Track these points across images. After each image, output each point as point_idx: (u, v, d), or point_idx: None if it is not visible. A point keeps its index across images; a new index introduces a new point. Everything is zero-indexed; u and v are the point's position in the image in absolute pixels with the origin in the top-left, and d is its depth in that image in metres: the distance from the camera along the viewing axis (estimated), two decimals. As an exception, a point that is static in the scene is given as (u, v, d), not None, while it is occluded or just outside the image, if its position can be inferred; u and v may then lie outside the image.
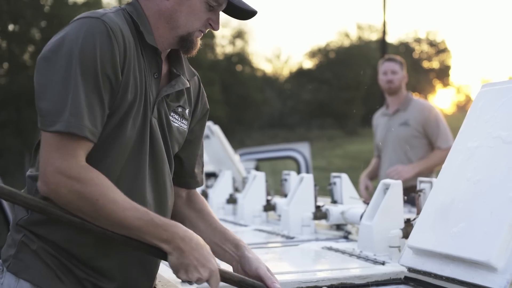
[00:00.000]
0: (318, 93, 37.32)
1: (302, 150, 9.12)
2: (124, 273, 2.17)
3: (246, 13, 2.24)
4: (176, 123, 2.28)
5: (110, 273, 2.14)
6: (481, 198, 2.20)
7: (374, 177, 6.10)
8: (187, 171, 2.43)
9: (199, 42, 2.25)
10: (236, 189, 5.23)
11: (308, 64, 44.05)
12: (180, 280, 2.37)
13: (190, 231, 2.06)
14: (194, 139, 2.41)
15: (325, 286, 2.42)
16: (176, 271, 2.04)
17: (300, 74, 41.19)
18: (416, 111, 5.78)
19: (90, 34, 2.00)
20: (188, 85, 2.28)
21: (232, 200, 4.88)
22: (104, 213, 1.97)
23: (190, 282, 2.07)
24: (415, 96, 6.04)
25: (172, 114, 2.26)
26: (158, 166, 2.21)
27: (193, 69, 2.38)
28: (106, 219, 1.99)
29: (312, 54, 42.87)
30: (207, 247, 2.08)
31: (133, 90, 2.09)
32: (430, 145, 5.75)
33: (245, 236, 3.88)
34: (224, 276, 2.14)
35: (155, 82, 2.18)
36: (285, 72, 43.73)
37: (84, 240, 2.09)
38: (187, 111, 2.31)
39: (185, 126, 2.32)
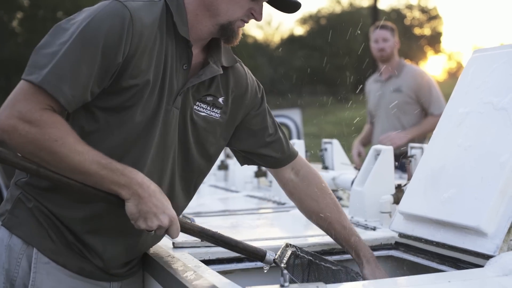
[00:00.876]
0: (309, 59, 37.17)
1: (293, 117, 9.11)
2: (108, 253, 2.18)
3: (290, 5, 2.22)
4: (203, 112, 2.26)
5: (94, 249, 2.15)
6: (472, 164, 2.21)
7: (367, 143, 6.11)
8: (271, 155, 2.43)
9: (240, 32, 2.23)
10: (228, 156, 5.23)
11: (299, 30, 43.85)
12: (171, 246, 2.39)
13: (148, 178, 2.02)
14: (257, 130, 2.40)
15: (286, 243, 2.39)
16: (135, 219, 2.00)
17: (291, 41, 41.02)
18: (409, 78, 5.78)
19: (105, 13, 2.01)
20: (219, 72, 2.24)
21: (223, 166, 4.89)
22: (60, 156, 1.94)
23: (149, 231, 2.01)
24: (408, 62, 6.03)
25: (198, 103, 2.24)
26: (167, 156, 2.20)
27: (237, 58, 2.37)
28: (61, 162, 1.95)
29: (303, 21, 42.67)
30: (165, 196, 2.04)
31: (145, 77, 2.06)
32: (422, 111, 5.76)
33: (237, 202, 3.90)
34: (184, 226, 2.12)
35: (183, 73, 2.17)
36: (276, 39, 43.52)
37: (72, 214, 2.11)
38: (220, 99, 2.29)
39: (217, 115, 2.29)
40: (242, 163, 2.52)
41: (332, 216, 2.45)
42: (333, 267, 2.35)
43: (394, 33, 5.93)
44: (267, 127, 2.42)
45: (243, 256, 2.35)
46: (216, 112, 2.28)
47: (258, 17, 2.20)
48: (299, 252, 2.32)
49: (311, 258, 2.34)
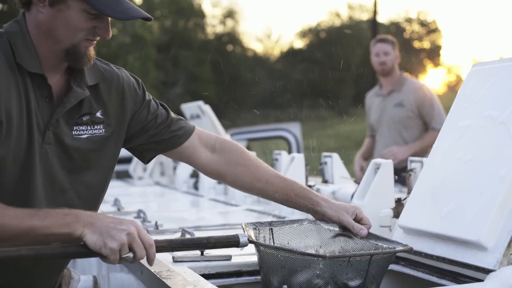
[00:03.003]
0: (309, 73, 37.24)
1: (293, 130, 9.12)
2: None
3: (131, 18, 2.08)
4: (84, 134, 2.16)
5: None
6: (472, 178, 2.21)
7: (369, 157, 6.11)
8: (168, 137, 2.38)
9: (92, 52, 2.11)
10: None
11: (299, 44, 43.93)
12: (171, 260, 2.38)
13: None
14: (149, 122, 2.33)
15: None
16: (101, 245, 1.85)
17: (291, 54, 41.08)
18: (410, 92, 5.78)
19: None
20: (84, 95, 2.15)
21: (223, 180, 4.88)
22: None
23: (124, 255, 1.88)
24: (409, 76, 6.03)
25: (76, 128, 2.15)
26: (63, 193, 2.13)
27: (105, 66, 2.27)
28: (2, 233, 1.83)
29: (303, 34, 42.77)
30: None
31: (5, 127, 1.97)
32: (424, 126, 5.76)
33: (237, 216, 3.89)
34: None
35: (48, 106, 2.08)
36: (276, 52, 43.59)
37: None
38: (98, 113, 2.19)
39: (101, 130, 2.20)
40: (145, 160, 2.44)
41: (270, 173, 2.45)
42: (294, 224, 2.41)
43: (395, 46, 5.93)
44: (157, 115, 2.35)
45: (243, 270, 2.35)
46: (98, 129, 2.20)
47: (105, 35, 2.08)
48: (258, 226, 2.34)
49: (270, 227, 2.36)
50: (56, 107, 2.10)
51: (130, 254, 1.91)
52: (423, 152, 5.67)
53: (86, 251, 1.88)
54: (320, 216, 2.44)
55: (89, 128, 2.18)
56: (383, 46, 5.92)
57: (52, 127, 2.09)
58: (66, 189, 2.15)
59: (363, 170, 6.02)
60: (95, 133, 2.19)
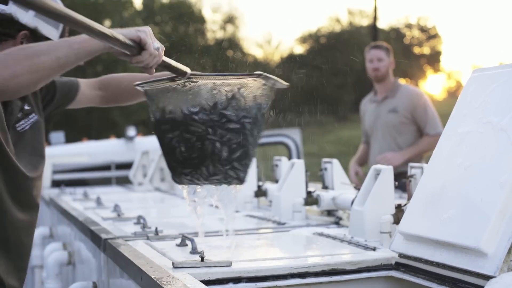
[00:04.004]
0: (309, 78, 37.25)
1: (293, 136, 9.12)
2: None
3: None
4: (27, 125, 2.73)
5: None
6: (472, 184, 2.21)
7: (363, 163, 6.13)
8: (66, 101, 3.04)
9: None
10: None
11: (299, 49, 44.00)
12: (171, 266, 2.38)
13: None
14: (50, 102, 2.96)
15: None
16: (136, 35, 2.24)
17: (291, 60, 41.14)
18: (404, 98, 5.81)
19: None
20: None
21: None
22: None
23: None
24: (403, 82, 6.06)
25: (18, 125, 2.69)
26: (18, 182, 2.64)
27: None
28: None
29: (303, 40, 42.86)
30: None
31: None
32: (419, 132, 5.78)
33: (237, 222, 3.89)
34: None
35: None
36: (276, 58, 43.64)
37: None
38: (25, 105, 2.72)
39: (36, 116, 2.78)
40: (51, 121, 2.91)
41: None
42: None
43: (389, 53, 5.96)
44: (55, 90, 2.98)
45: (243, 276, 2.36)
46: (32, 116, 2.75)
47: None
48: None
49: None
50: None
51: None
52: (419, 157, 5.68)
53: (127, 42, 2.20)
54: None
55: (26, 120, 2.72)
56: (377, 52, 5.98)
57: (11, 133, 2.67)
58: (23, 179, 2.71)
59: (358, 175, 6.04)
60: (33, 120, 2.77)
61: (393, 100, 5.84)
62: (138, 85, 2.45)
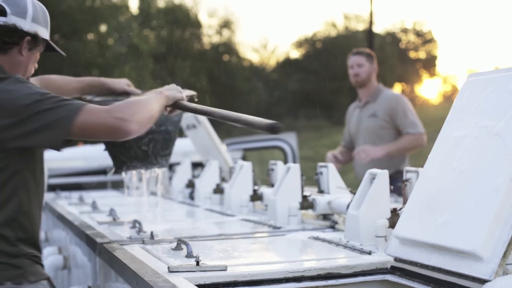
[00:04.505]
0: (305, 83, 37.29)
1: (289, 140, 9.12)
2: None
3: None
4: None
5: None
6: (467, 188, 2.21)
7: (340, 161, 6.11)
8: None
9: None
10: (223, 179, 5.23)
11: (295, 54, 44.02)
12: (167, 270, 2.38)
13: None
14: None
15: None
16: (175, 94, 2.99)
17: (287, 64, 41.16)
18: (384, 102, 5.85)
19: None
20: None
21: (219, 190, 4.88)
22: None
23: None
24: (385, 88, 6.07)
25: None
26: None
27: None
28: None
29: (299, 44, 42.86)
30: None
31: None
32: (398, 135, 5.80)
33: (232, 226, 3.89)
34: (189, 106, 3.04)
35: None
36: (272, 62, 43.68)
37: None
38: None
39: None
40: None
41: (72, 80, 3.60)
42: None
43: (370, 58, 6.00)
44: None
45: (238, 280, 2.35)
46: None
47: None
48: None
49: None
50: None
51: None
52: (400, 155, 5.70)
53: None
54: (107, 90, 3.63)
55: None
56: (357, 58, 6.01)
57: None
58: None
59: (336, 158, 6.03)
60: None
61: (373, 105, 5.89)
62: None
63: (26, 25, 2.81)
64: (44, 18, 2.91)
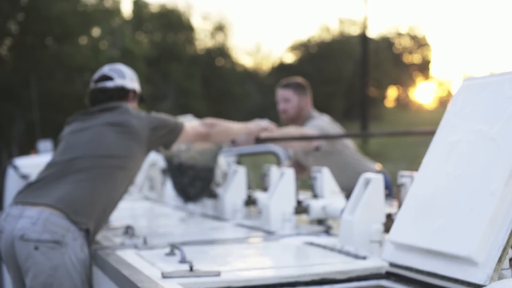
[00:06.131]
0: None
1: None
2: None
3: None
4: None
5: None
6: (462, 193, 2.21)
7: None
8: None
9: None
10: (217, 184, 5.22)
11: (289, 58, 44.05)
12: (160, 276, 2.37)
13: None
14: None
15: None
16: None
17: (281, 69, 41.18)
18: (307, 126, 5.37)
19: None
20: None
21: (212, 195, 4.87)
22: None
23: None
24: (317, 113, 5.51)
25: None
26: None
27: None
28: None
29: (293, 49, 42.90)
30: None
31: None
32: (342, 151, 5.42)
33: (226, 231, 3.88)
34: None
35: None
36: (266, 67, 43.72)
37: None
38: None
39: None
40: None
41: None
42: None
43: (299, 90, 5.43)
44: None
45: (232, 286, 2.35)
46: None
47: None
48: None
49: None
50: None
51: None
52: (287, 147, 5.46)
53: None
54: None
55: None
56: (283, 93, 5.44)
57: None
58: None
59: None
60: None
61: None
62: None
63: (129, 84, 3.80)
64: (136, 78, 3.86)
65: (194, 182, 4.59)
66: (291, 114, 5.38)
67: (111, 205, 3.46)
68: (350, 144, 5.51)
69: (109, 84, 3.75)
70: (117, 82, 3.75)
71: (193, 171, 4.56)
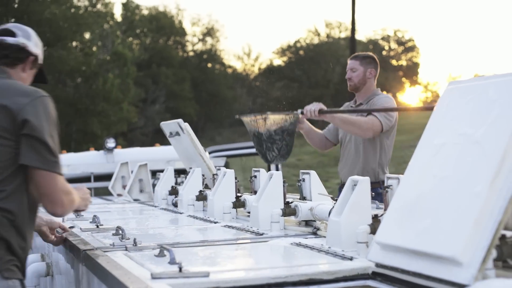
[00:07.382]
0: (287, 90, 37.35)
1: (271, 147, 9.11)
2: None
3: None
4: None
5: None
6: (447, 194, 2.23)
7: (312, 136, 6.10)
8: None
9: None
10: (206, 186, 5.24)
11: (278, 61, 44.08)
12: (149, 277, 2.39)
13: None
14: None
15: None
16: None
17: (270, 72, 41.24)
18: (372, 105, 5.75)
19: None
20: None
21: (202, 197, 4.89)
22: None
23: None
24: (382, 92, 5.99)
25: None
26: None
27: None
28: None
29: (282, 52, 42.93)
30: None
31: None
32: (382, 136, 5.67)
33: (215, 232, 3.90)
34: None
35: None
36: (255, 70, 43.73)
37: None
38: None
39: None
40: None
41: None
42: None
43: (366, 62, 5.92)
44: None
45: (220, 287, 2.37)
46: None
47: None
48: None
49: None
50: None
51: None
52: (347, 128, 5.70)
53: None
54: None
55: None
56: (351, 62, 5.97)
57: None
58: None
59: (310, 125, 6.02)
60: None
61: (363, 107, 5.80)
62: None
63: (32, 47, 3.28)
64: (41, 46, 3.36)
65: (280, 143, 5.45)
66: (355, 82, 5.92)
67: None
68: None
69: (9, 39, 3.23)
70: (20, 40, 3.23)
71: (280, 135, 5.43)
